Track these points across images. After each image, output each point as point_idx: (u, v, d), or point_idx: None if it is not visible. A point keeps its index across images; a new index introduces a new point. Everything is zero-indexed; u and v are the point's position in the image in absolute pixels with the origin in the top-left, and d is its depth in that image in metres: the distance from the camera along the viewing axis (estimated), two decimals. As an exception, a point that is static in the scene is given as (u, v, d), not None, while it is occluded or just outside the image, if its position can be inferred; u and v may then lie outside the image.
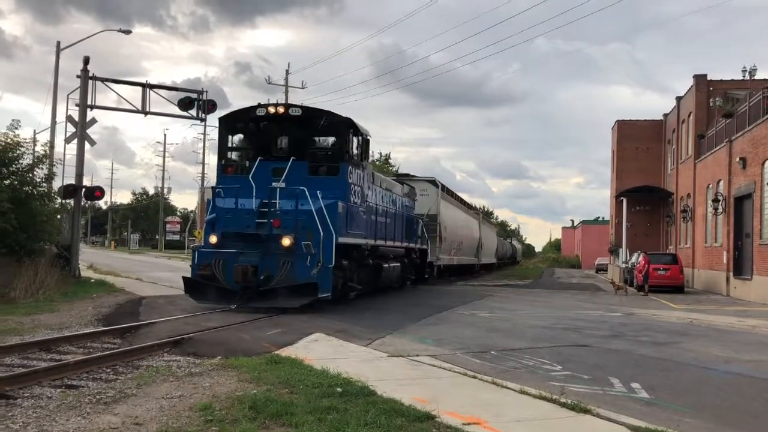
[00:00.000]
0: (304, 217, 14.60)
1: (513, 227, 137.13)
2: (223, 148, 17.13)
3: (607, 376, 8.61)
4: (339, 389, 7.00)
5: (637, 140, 46.50)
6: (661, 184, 44.08)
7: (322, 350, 9.93)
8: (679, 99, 41.15)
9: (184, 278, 15.56)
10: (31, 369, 7.86)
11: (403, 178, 28.65)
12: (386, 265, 20.39)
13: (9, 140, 18.82)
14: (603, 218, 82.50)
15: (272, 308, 14.17)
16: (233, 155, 17.22)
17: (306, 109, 16.23)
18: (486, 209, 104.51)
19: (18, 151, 18.74)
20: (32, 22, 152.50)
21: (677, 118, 40.93)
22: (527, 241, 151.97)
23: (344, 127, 16.30)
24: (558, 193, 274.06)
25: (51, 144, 22.77)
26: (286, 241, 14.26)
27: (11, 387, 6.81)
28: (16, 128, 19.38)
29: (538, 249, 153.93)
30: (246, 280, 14.25)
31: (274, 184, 15.12)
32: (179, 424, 5.72)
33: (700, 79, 36.65)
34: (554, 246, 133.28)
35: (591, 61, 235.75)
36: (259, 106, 16.17)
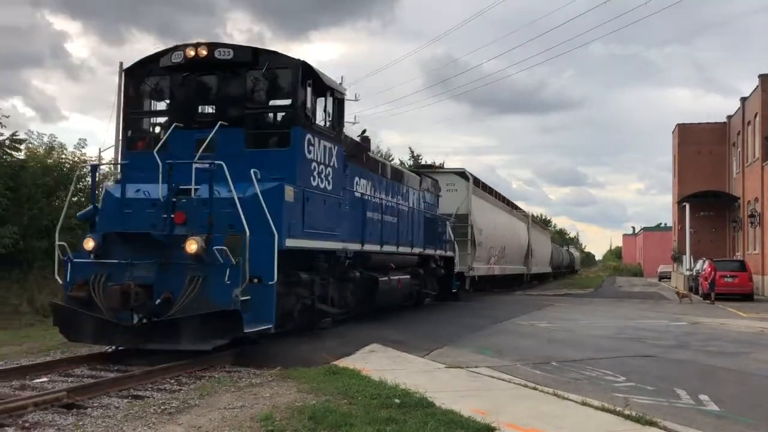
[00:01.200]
0: (225, 209, 9.69)
1: (572, 235, 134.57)
2: (127, 113, 12.28)
3: (673, 388, 8.34)
4: (397, 400, 7.00)
5: (699, 144, 45.12)
6: (725, 189, 42.61)
7: (380, 361, 9.94)
8: (743, 100, 39.77)
9: (53, 305, 10.86)
10: (99, 379, 8.12)
11: (423, 170, 23.07)
12: (385, 278, 15.16)
13: (76, 159, 19.63)
14: (665, 224, 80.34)
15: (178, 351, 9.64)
16: (144, 123, 12.10)
17: (239, 50, 11.03)
18: (543, 217, 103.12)
19: (85, 169, 19.53)
20: (98, 43, 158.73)
21: (742, 119, 39.54)
22: (586, 249, 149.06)
23: (296, 74, 10.90)
24: (617, 200, 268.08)
25: (114, 161, 23.60)
26: (192, 246, 9.24)
27: (81, 397, 7.06)
28: (83, 147, 20.20)
29: (598, 257, 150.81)
30: (128, 305, 9.31)
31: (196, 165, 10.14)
32: (241, 435, 5.81)
33: (765, 79, 35.34)
34: (615, 254, 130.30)
35: (649, 64, 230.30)
36: (175, 48, 11.20)
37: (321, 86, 11.75)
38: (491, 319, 17.09)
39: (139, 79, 11.76)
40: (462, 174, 25.80)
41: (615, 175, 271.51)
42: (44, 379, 8.42)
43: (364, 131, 15.85)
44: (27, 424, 6.11)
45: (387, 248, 15.40)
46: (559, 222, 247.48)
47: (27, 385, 8.08)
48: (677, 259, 45.60)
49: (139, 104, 11.97)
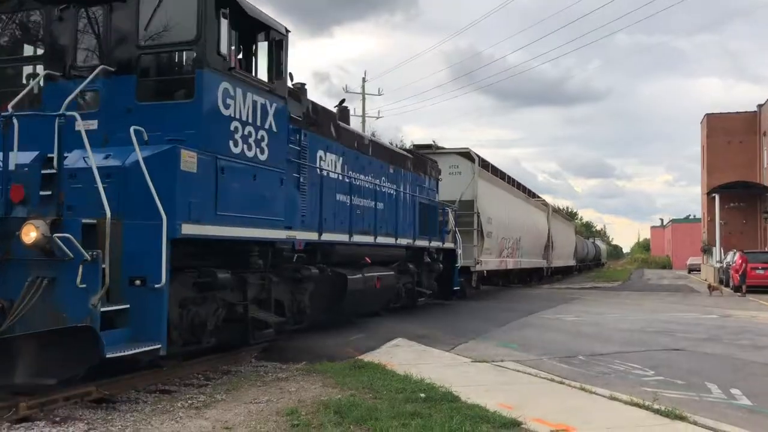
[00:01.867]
0: (81, 184, 7.16)
1: (599, 228, 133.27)
2: None
3: (704, 382, 8.21)
4: (422, 395, 6.98)
5: (728, 134, 44.36)
6: (756, 179, 41.83)
7: (405, 355, 9.92)
8: (774, 88, 38.96)
9: None
10: (128, 374, 8.21)
11: (421, 150, 20.35)
12: (357, 276, 12.14)
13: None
14: (694, 216, 79.14)
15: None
16: (8, 70, 8.96)
17: None
18: (570, 210, 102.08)
19: None
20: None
21: (773, 108, 38.76)
22: (614, 242, 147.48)
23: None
24: (645, 192, 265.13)
25: None
26: (30, 233, 6.45)
27: (110, 392, 7.14)
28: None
29: (626, 250, 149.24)
30: None
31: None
32: (267, 429, 5.84)
33: (797, 67, 34.58)
34: (643, 246, 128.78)
35: (676, 53, 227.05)
36: None
37: (247, 21, 8.71)
38: (518, 313, 16.98)
39: (2, 15, 8.90)
40: (466, 154, 22.09)
41: (643, 167, 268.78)
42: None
43: (342, 101, 13.85)
44: (57, 419, 6.19)
45: (359, 239, 12.44)
46: (586, 215, 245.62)
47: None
48: (707, 251, 44.93)
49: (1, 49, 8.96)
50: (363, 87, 48.82)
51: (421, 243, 16.06)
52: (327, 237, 11.14)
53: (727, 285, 30.40)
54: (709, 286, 28.47)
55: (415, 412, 6.26)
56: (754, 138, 43.37)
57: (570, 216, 79.09)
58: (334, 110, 13.16)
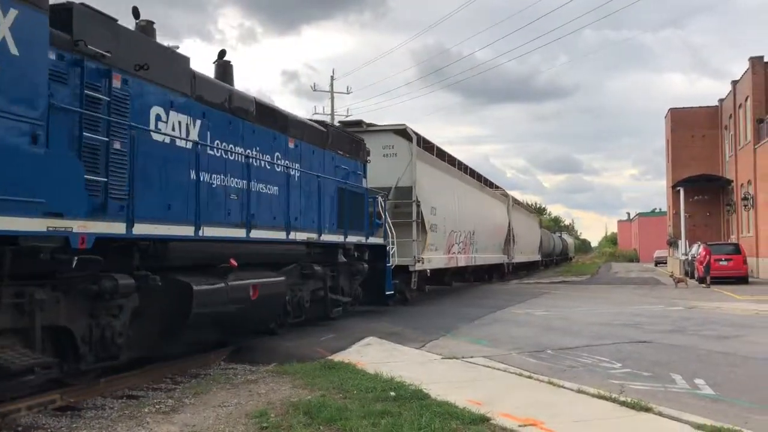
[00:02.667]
0: None
1: (567, 222, 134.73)
2: None
3: (669, 373, 8.35)
4: (392, 393, 6.98)
5: (692, 128, 45.15)
6: (719, 172, 42.68)
7: (375, 354, 9.93)
8: (734, 83, 39.80)
9: None
10: (93, 380, 8.07)
11: (349, 128, 16.73)
12: (208, 287, 8.49)
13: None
14: (660, 210, 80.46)
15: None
16: None
17: None
18: (538, 205, 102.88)
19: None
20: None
21: (734, 102, 39.58)
22: (582, 236, 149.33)
23: None
24: (612, 186, 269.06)
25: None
26: None
27: (75, 399, 7.02)
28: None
29: (593, 244, 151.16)
30: None
31: None
32: (235, 432, 5.79)
33: (756, 62, 35.37)
34: (610, 240, 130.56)
35: (642, 49, 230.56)
36: None
37: None
38: (485, 309, 17.09)
39: None
40: (402, 132, 18.37)
41: (610, 162, 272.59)
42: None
43: (222, 52, 10.71)
44: (20, 428, 6.07)
45: (216, 232, 8.97)
46: (555, 210, 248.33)
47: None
48: (672, 243, 45.72)
49: None
50: (331, 85, 48.73)
51: (332, 238, 12.60)
52: (147, 229, 7.58)
53: (692, 277, 30.98)
54: (675, 279, 28.97)
55: (385, 410, 6.27)
56: (716, 132, 44.24)
57: (539, 211, 79.63)
58: (213, 67, 10.37)
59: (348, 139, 14.33)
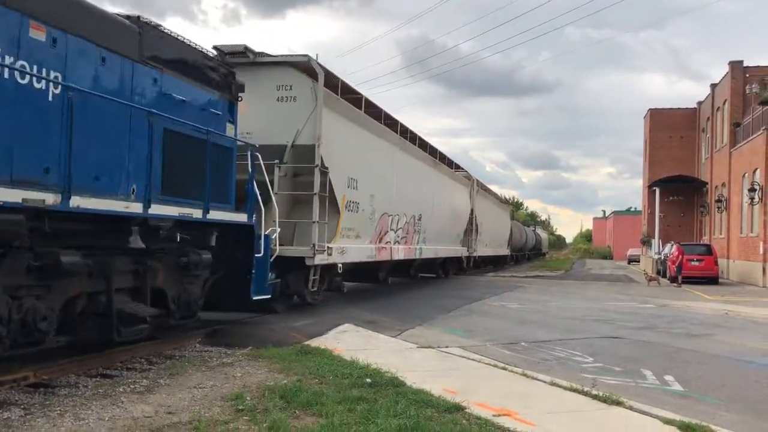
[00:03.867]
0: None
1: (543, 218, 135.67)
2: None
3: (640, 369, 8.50)
4: (368, 380, 7.03)
5: (670, 129, 45.71)
6: (695, 174, 43.30)
7: (352, 341, 9.96)
8: (713, 86, 40.32)
9: None
10: (67, 358, 8.01)
11: (232, 58, 11.60)
12: None
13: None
14: (635, 208, 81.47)
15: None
16: None
17: None
18: (516, 200, 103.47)
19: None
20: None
21: (712, 105, 40.11)
22: (558, 232, 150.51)
23: None
24: (589, 184, 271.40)
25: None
26: None
27: (49, 376, 6.96)
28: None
29: (568, 240, 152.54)
30: None
31: None
32: (211, 414, 5.79)
33: (735, 66, 35.85)
34: (585, 237, 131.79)
35: (623, 49, 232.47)
36: None
37: None
38: (464, 300, 17.21)
39: None
40: (304, 67, 12.95)
41: (587, 159, 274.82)
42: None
43: None
44: (-8, 403, 6.00)
45: None
46: (532, 205, 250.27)
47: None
48: (646, 242, 46.34)
49: None
50: None
51: (128, 208, 7.31)
52: None
53: (664, 275, 31.46)
54: (647, 277, 29.39)
55: (361, 397, 6.31)
56: (693, 134, 44.84)
57: (516, 205, 79.80)
58: None
59: (197, 58, 8.99)
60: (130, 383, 6.89)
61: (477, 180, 31.19)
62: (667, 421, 5.89)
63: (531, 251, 63.43)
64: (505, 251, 42.86)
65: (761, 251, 27.24)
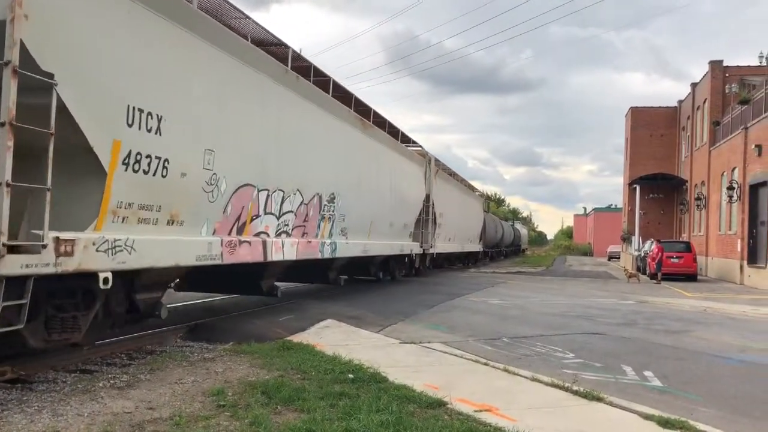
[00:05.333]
0: None
1: (525, 214, 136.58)
2: None
3: (620, 364, 8.57)
4: (351, 375, 7.02)
5: (651, 127, 46.12)
6: (675, 172, 43.73)
7: (334, 336, 9.95)
8: (694, 85, 40.71)
9: None
10: (45, 353, 7.92)
11: None
12: None
13: None
14: (616, 206, 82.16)
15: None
16: None
17: None
18: (498, 196, 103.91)
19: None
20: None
21: (692, 104, 40.52)
22: (539, 228, 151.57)
23: None
24: (570, 181, 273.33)
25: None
26: None
27: (27, 372, 6.87)
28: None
29: (549, 236, 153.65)
30: None
31: None
32: (192, 409, 5.75)
33: (715, 65, 36.21)
34: (566, 233, 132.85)
35: (606, 47, 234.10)
36: None
37: None
38: (446, 296, 17.26)
39: None
40: None
41: (569, 157, 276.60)
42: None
43: None
44: (-32, 399, 5.92)
45: None
46: (513, 201, 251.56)
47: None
48: (626, 239, 46.75)
49: None
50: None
51: None
52: None
53: (644, 272, 31.76)
54: (627, 273, 29.65)
55: (343, 392, 6.30)
56: (674, 132, 45.26)
57: (497, 201, 79.66)
58: None
59: None
60: (109, 378, 6.83)
61: (436, 159, 24.95)
62: (647, 417, 5.95)
63: (509, 247, 59.94)
64: (476, 247, 38.27)
65: (739, 249, 27.60)
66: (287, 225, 11.55)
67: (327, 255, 13.66)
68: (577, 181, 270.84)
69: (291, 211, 11.71)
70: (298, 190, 11.86)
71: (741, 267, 27.38)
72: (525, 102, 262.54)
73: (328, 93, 13.52)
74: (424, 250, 23.24)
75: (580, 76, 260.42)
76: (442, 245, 26.72)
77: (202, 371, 7.29)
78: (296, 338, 9.48)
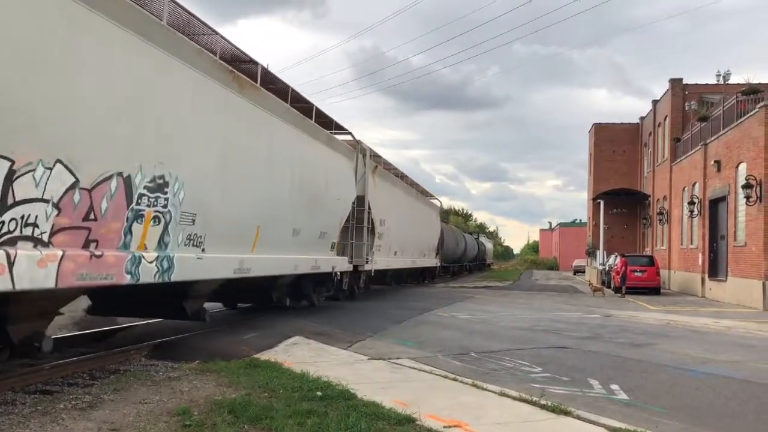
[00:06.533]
0: None
1: (492, 229, 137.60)
2: None
3: (587, 378, 8.65)
4: (319, 393, 6.96)
5: (614, 143, 47.02)
6: (637, 187, 44.56)
7: (302, 354, 9.86)
8: (655, 102, 41.65)
9: None
10: (3, 374, 7.69)
11: None
12: None
13: None
14: (580, 220, 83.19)
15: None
16: None
17: None
18: (465, 211, 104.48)
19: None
20: None
21: (654, 121, 41.42)
22: (505, 243, 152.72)
23: None
24: (536, 196, 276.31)
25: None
26: None
27: (-16, 393, 6.67)
28: None
29: (516, 251, 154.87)
30: None
31: None
32: (157, 430, 5.64)
33: (675, 83, 37.12)
34: (532, 248, 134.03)
35: (569, 64, 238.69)
36: None
37: None
38: (414, 311, 17.25)
39: None
40: None
41: (534, 172, 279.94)
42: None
43: None
44: None
45: None
46: (480, 216, 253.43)
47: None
48: (591, 253, 47.39)
49: None
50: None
51: None
52: None
53: (608, 286, 32.18)
54: (592, 287, 30.00)
55: (312, 410, 6.24)
56: (636, 148, 46.20)
57: (465, 217, 79.85)
58: None
59: None
60: (71, 399, 6.66)
61: (374, 154, 19.98)
62: (614, 430, 6.00)
63: (472, 262, 55.93)
64: (432, 262, 33.93)
65: (700, 262, 28.17)
66: (34, 225, 6.37)
67: (148, 278, 8.19)
68: (542, 196, 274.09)
69: (44, 200, 6.48)
70: (61, 161, 6.60)
71: (702, 280, 27.93)
72: (491, 118, 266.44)
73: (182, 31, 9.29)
74: (356, 266, 18.63)
75: (545, 92, 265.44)
76: (384, 260, 22.01)
77: (167, 390, 7.15)
78: (263, 356, 9.37)
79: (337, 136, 16.61)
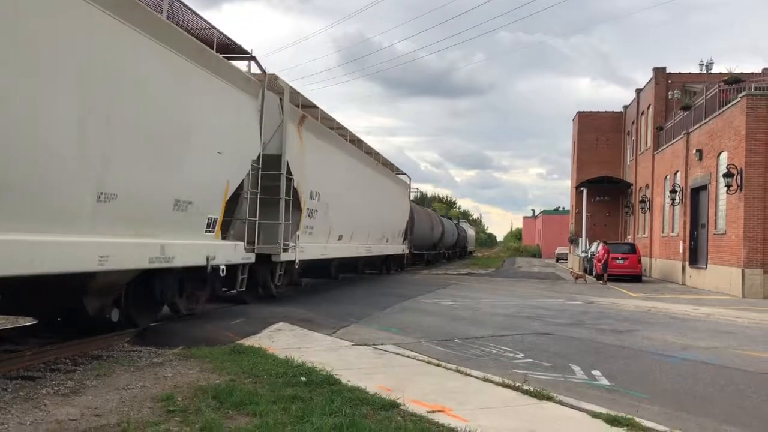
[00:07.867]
0: None
1: (476, 216, 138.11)
2: None
3: (569, 364, 8.74)
4: (303, 378, 6.97)
5: (597, 131, 47.24)
6: (620, 175, 44.86)
7: (286, 339, 9.87)
8: (638, 91, 41.85)
9: None
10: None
11: None
12: None
13: None
14: (563, 208, 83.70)
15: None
16: None
17: None
18: (450, 198, 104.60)
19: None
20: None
21: (637, 110, 41.65)
22: (489, 230, 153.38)
23: None
24: (520, 184, 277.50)
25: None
26: None
27: (-36, 379, 6.61)
28: None
29: (499, 238, 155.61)
30: None
31: None
32: (140, 415, 5.62)
33: (659, 72, 37.30)
34: (515, 236, 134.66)
35: (554, 53, 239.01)
36: None
37: None
38: (398, 297, 17.31)
39: None
40: None
41: (518, 160, 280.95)
42: None
43: None
44: None
45: None
46: (464, 203, 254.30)
47: None
48: (573, 241, 47.73)
49: None
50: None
51: None
52: None
53: (590, 273, 32.45)
54: (575, 275, 30.25)
55: (296, 395, 6.25)
56: (619, 136, 46.47)
57: (449, 205, 79.74)
58: None
59: None
60: (53, 385, 6.62)
61: (302, 98, 15.41)
62: (595, 415, 6.07)
63: (451, 249, 51.36)
64: (396, 248, 28.78)
65: (681, 250, 28.49)
66: None
67: None
68: (526, 184, 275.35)
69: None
70: None
71: (683, 268, 28.26)
72: (476, 106, 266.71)
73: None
74: (267, 255, 13.23)
75: (530, 80, 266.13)
76: (319, 245, 16.71)
77: (151, 376, 7.13)
78: (248, 342, 9.37)
79: (232, 62, 11.59)
